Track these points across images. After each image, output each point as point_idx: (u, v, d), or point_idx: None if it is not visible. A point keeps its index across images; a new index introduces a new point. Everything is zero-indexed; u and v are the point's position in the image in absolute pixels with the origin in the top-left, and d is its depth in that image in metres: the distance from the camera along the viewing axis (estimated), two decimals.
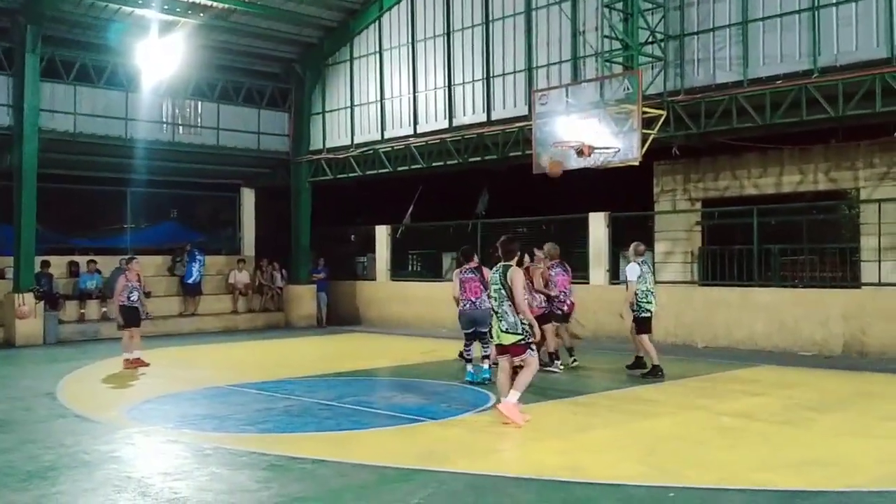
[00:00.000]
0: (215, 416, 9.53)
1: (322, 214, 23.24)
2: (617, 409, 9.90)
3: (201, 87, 21.55)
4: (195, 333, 20.21)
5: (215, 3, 18.91)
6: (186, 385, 11.86)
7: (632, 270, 12.17)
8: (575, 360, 13.06)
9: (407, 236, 22.95)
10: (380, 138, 20.99)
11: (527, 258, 12.18)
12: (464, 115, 19.24)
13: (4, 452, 7.73)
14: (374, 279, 22.75)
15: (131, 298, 13.66)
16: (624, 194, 18.41)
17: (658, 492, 6.33)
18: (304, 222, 22.90)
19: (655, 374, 11.97)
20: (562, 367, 12.63)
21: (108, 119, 19.76)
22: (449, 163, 19.47)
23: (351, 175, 21.73)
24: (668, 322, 15.65)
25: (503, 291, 8.66)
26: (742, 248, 15.93)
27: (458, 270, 11.95)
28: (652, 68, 15.56)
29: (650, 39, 15.56)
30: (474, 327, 11.53)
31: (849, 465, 7.19)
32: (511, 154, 17.99)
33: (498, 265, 8.96)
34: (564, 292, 13.01)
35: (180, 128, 21.31)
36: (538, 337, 8.92)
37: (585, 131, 15.17)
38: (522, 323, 8.65)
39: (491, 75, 18.66)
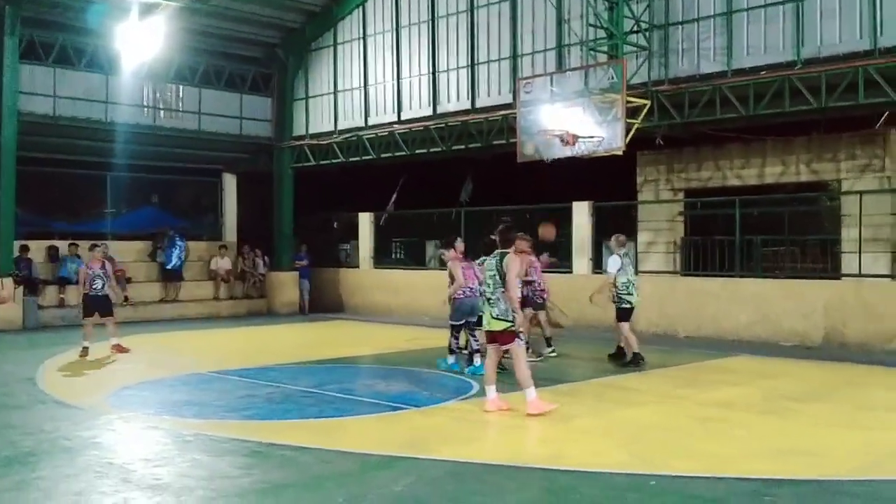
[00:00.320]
0: (196, 403, 9.48)
1: (305, 201, 23.12)
2: (599, 397, 9.94)
3: (183, 71, 21.34)
4: (177, 320, 20.09)
5: None
6: (167, 371, 11.79)
7: (613, 262, 12.32)
8: (553, 351, 13.07)
9: (390, 224, 22.89)
10: (363, 125, 20.89)
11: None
12: (448, 102, 19.17)
13: None
14: (357, 267, 22.69)
15: (94, 287, 13.25)
16: (607, 184, 18.41)
17: (639, 479, 6.36)
18: (286, 209, 22.79)
19: (636, 362, 12.05)
20: (538, 358, 12.52)
21: (88, 102, 19.54)
22: (433, 150, 19.41)
23: (334, 161, 21.63)
24: (650, 312, 15.72)
25: (498, 278, 8.67)
26: (724, 239, 16.01)
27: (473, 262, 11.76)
28: (636, 58, 15.57)
29: (635, 28, 15.56)
30: (466, 318, 11.51)
31: (829, 454, 7.26)
32: (495, 142, 17.97)
33: (495, 252, 8.94)
34: (539, 281, 12.99)
35: (161, 112, 21.11)
36: (519, 323, 8.93)
37: (570, 120, 15.17)
38: (513, 312, 8.64)
39: (475, 63, 18.60)
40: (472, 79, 18.66)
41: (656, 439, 7.74)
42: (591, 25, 15.82)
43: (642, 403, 9.53)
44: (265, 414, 8.99)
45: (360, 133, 20.78)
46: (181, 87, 21.38)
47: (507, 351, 10.45)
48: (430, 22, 19.42)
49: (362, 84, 20.98)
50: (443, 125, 19.01)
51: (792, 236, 16.34)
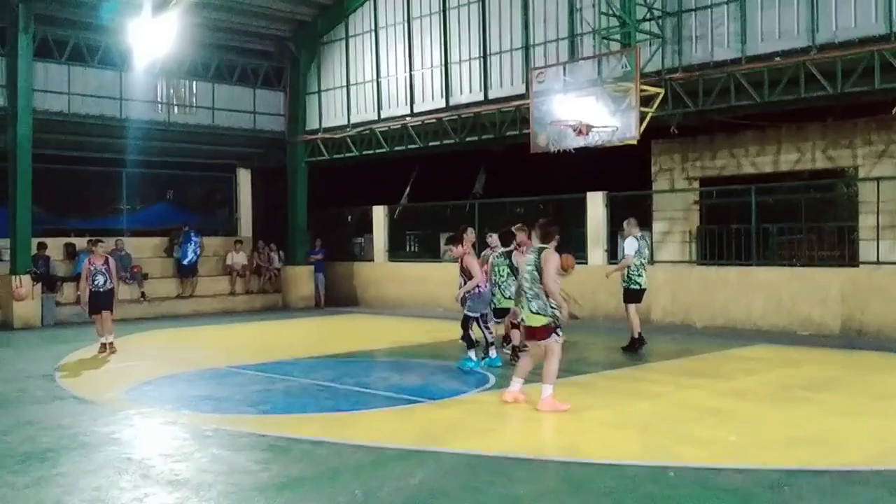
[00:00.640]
0: (214, 398, 9.53)
1: (319, 195, 23.17)
2: (614, 388, 9.92)
3: (196, 67, 21.40)
4: (193, 315, 20.20)
5: None
6: (185, 366, 11.86)
7: (630, 244, 12.39)
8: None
9: (404, 217, 22.91)
10: (376, 118, 20.89)
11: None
12: (460, 94, 19.13)
13: (2, 434, 7.74)
14: (371, 260, 22.72)
15: (96, 283, 13.01)
16: (622, 173, 18.35)
17: (656, 471, 6.35)
18: (300, 203, 22.83)
19: (633, 347, 12.11)
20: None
21: (101, 99, 19.65)
22: (445, 142, 19.40)
23: (347, 155, 21.65)
24: (665, 301, 15.68)
25: (536, 273, 8.58)
26: (740, 228, 15.92)
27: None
28: (650, 46, 15.47)
29: (648, 16, 15.46)
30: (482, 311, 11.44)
31: (845, 443, 7.22)
32: (508, 133, 17.94)
33: (534, 246, 8.87)
34: None
35: (175, 108, 21.19)
36: (567, 318, 8.89)
37: (583, 110, 15.10)
38: (552, 307, 8.56)
39: (487, 53, 18.55)
40: (485, 70, 18.60)
41: (672, 430, 7.72)
42: (603, 14, 15.72)
43: (658, 394, 9.50)
44: (282, 408, 9.02)
45: (373, 126, 20.78)
46: (194, 83, 21.46)
47: (515, 348, 10.46)
48: (442, 13, 19.37)
49: (374, 77, 20.97)
50: (455, 117, 18.98)
51: (808, 224, 16.22)
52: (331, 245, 23.34)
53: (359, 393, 9.71)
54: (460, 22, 19.06)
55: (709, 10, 15.12)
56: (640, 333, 12.55)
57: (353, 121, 21.49)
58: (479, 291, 11.27)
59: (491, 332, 11.38)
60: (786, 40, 14.22)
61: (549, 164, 16.67)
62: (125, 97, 19.97)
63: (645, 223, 16.21)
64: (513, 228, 11.87)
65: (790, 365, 11.51)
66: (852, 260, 15.24)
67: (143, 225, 22.51)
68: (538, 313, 8.56)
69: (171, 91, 21.15)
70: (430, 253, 22.57)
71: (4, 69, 18.02)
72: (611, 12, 15.49)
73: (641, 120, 14.53)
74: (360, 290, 22.70)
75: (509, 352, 11.61)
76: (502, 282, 11.40)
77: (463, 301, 11.35)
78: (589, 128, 14.92)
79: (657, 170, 19.55)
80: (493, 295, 11.48)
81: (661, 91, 14.97)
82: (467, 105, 18.83)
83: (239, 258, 22.44)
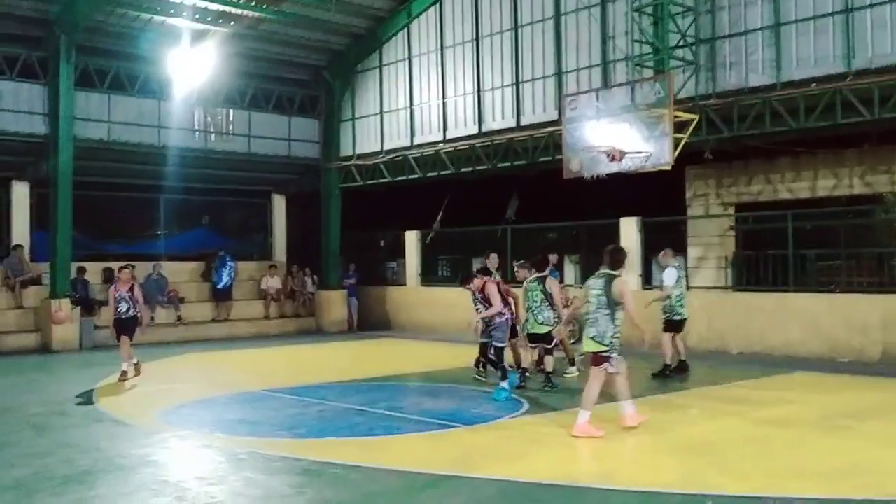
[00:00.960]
0: (249, 421, 9.60)
1: (352, 220, 23.34)
2: (650, 415, 9.80)
3: (232, 95, 21.75)
4: (228, 338, 20.36)
5: (245, 12, 19.11)
6: (220, 390, 11.95)
7: (670, 275, 12.34)
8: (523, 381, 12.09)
9: (436, 242, 22.97)
10: (409, 144, 21.05)
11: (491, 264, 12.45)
12: (493, 120, 19.23)
13: (41, 457, 7.84)
14: (404, 284, 22.78)
15: (119, 310, 12.87)
16: (656, 199, 18.25)
17: (694, 500, 6.27)
18: (334, 228, 23.01)
19: (664, 373, 12.19)
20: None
21: (141, 127, 19.99)
22: (478, 168, 19.48)
23: (381, 181, 21.81)
24: (701, 328, 15.52)
25: (603, 299, 8.57)
26: (777, 254, 15.74)
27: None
28: (683, 72, 15.45)
29: (681, 43, 15.46)
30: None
31: (889, 474, 7.07)
32: (541, 159, 17.97)
33: (600, 272, 8.84)
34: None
35: (212, 135, 21.51)
36: (646, 339, 9.01)
37: (616, 136, 15.11)
38: (612, 337, 8.55)
39: (520, 80, 18.64)
40: (517, 97, 18.69)
41: (710, 458, 7.62)
42: (636, 41, 15.76)
43: (695, 421, 9.39)
44: (316, 432, 9.05)
45: (407, 153, 20.93)
46: (231, 111, 21.78)
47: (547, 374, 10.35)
48: (475, 41, 19.54)
49: (408, 104, 21.15)
50: (488, 143, 19.07)
51: (846, 250, 15.99)
52: (364, 269, 23.45)
53: (392, 417, 9.72)
54: (493, 50, 19.21)
55: (743, 36, 15.09)
56: (682, 360, 12.50)
57: (386, 147, 21.67)
58: (503, 320, 11.11)
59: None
60: (821, 66, 14.14)
61: (582, 190, 16.66)
62: (164, 125, 20.31)
63: (680, 249, 16.10)
64: (517, 265, 12.26)
65: (830, 393, 11.32)
66: (893, 286, 14.98)
67: (180, 250, 22.81)
68: (594, 339, 8.61)
69: (209, 119, 21.48)
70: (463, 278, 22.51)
71: (47, 98, 18.45)
72: (644, 39, 15.52)
73: (675, 146, 14.49)
74: (392, 314, 22.74)
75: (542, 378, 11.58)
76: (535, 307, 11.37)
77: (483, 330, 11.18)
78: (622, 153, 14.92)
79: (692, 195, 19.43)
80: (527, 320, 11.46)
81: (696, 117, 14.93)
82: (500, 131, 18.92)
83: (273, 282, 22.62)
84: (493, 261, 12.94)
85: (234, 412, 10.28)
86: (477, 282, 11.36)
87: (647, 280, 17.08)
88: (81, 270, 19.14)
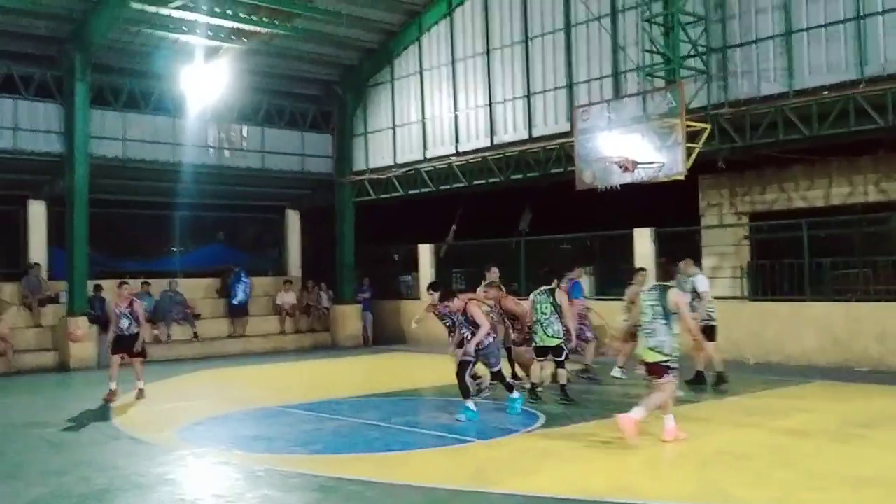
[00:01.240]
0: (265, 437, 9.62)
1: (366, 234, 23.40)
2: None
3: (246, 111, 21.88)
4: (243, 354, 20.42)
5: (258, 29, 19.24)
6: (237, 406, 11.98)
7: (703, 282, 12.33)
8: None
9: (450, 255, 22.98)
10: (422, 158, 21.10)
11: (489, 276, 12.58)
12: (505, 132, 19.26)
13: (59, 475, 7.88)
14: (418, 298, 22.76)
15: (120, 326, 12.73)
16: (669, 209, 18.21)
17: None
18: (348, 242, 23.08)
19: (723, 379, 12.26)
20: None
21: (155, 144, 20.14)
22: (491, 180, 19.51)
23: (394, 195, 21.87)
24: (717, 337, 15.41)
25: (659, 309, 8.66)
26: (792, 262, 15.65)
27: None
28: (695, 81, 15.44)
29: (692, 52, 15.45)
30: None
31: None
32: (553, 171, 17.98)
33: (654, 284, 8.97)
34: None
35: (226, 151, 21.63)
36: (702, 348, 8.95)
37: (628, 146, 15.11)
38: (672, 346, 8.65)
39: (531, 92, 18.67)
40: (529, 108, 18.72)
41: (728, 469, 7.58)
42: (647, 51, 15.77)
43: (712, 432, 9.33)
44: (332, 447, 9.07)
45: (419, 166, 20.99)
46: (244, 127, 21.90)
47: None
48: (486, 54, 19.59)
49: (420, 118, 21.22)
50: (500, 155, 19.10)
51: (862, 257, 15.88)
52: (378, 284, 23.48)
53: (408, 432, 9.71)
54: (504, 62, 19.26)
55: (754, 45, 15.07)
56: (699, 371, 12.47)
57: (398, 161, 21.73)
58: (492, 341, 10.58)
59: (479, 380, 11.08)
60: (834, 73, 14.10)
61: (595, 201, 16.64)
62: (178, 142, 20.45)
63: (694, 259, 16.03)
64: (484, 285, 12.36)
65: (848, 402, 11.24)
66: None
67: (196, 266, 22.92)
68: (654, 349, 8.66)
69: (223, 135, 21.60)
70: (476, 291, 22.49)
71: (62, 117, 18.63)
72: (655, 49, 15.53)
73: (688, 155, 14.47)
74: (407, 328, 22.70)
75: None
76: (545, 319, 11.32)
77: (466, 352, 10.38)
78: (635, 164, 14.91)
79: (705, 205, 19.36)
80: (535, 333, 11.41)
81: (708, 126, 14.91)
82: (512, 143, 18.95)
83: (288, 298, 22.69)
84: (493, 274, 13.03)
85: (250, 428, 10.30)
86: (458, 303, 10.58)
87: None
88: (98, 288, 19.24)
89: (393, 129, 21.97)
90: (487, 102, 19.58)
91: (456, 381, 10.31)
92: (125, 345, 12.84)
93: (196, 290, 21.81)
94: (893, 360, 13.90)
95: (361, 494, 7.02)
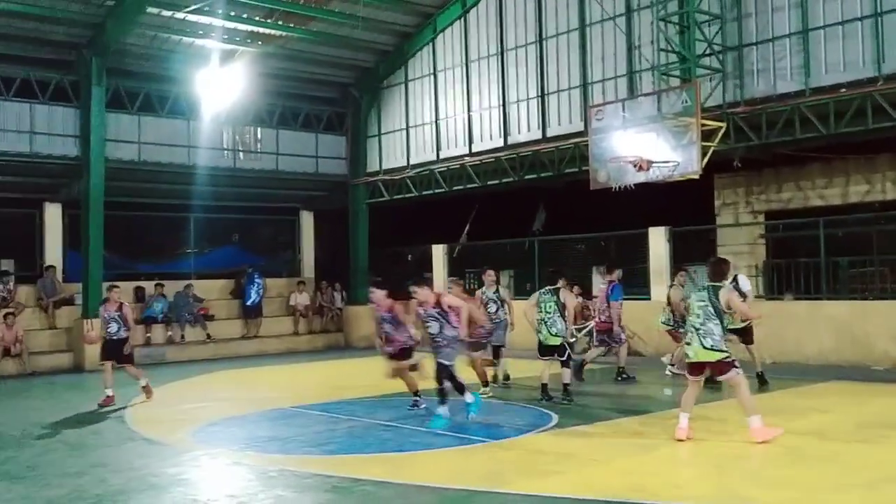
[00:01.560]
0: (279, 438, 9.62)
1: (380, 235, 23.40)
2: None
3: (260, 114, 21.95)
4: (257, 355, 20.46)
5: (273, 32, 19.32)
6: (250, 407, 11.99)
7: (745, 282, 12.29)
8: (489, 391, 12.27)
9: (463, 255, 22.94)
10: (435, 158, 21.10)
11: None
12: (519, 132, 19.23)
13: (75, 476, 7.91)
14: None
15: (109, 331, 12.57)
16: (684, 208, 18.11)
17: None
18: (361, 243, 23.11)
19: (764, 379, 12.27)
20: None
21: (171, 147, 20.25)
22: (504, 181, 19.48)
23: (407, 196, 21.87)
24: (733, 336, 15.30)
25: (710, 309, 8.65)
26: (809, 261, 15.53)
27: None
28: (710, 80, 15.35)
29: (707, 51, 15.36)
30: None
31: None
32: (567, 171, 17.93)
33: (705, 285, 8.99)
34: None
35: (241, 154, 21.73)
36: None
37: (643, 146, 15.04)
38: (726, 342, 8.70)
39: (546, 92, 18.63)
40: (543, 108, 18.68)
41: (743, 470, 7.51)
42: (662, 50, 15.69)
43: (728, 433, 9.24)
44: (346, 448, 9.05)
45: (433, 167, 20.98)
46: (259, 130, 22.00)
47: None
48: (500, 55, 19.57)
49: (434, 119, 21.21)
50: (514, 155, 19.06)
51: (880, 256, 15.74)
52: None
53: (421, 432, 9.68)
54: (518, 62, 19.22)
55: (770, 43, 14.97)
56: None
57: (412, 162, 21.74)
58: (453, 335, 10.28)
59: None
60: (851, 71, 13.98)
61: (609, 201, 16.58)
62: (193, 145, 20.55)
63: (710, 258, 15.93)
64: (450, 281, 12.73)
65: (866, 402, 11.12)
66: None
67: (210, 267, 23.01)
68: (713, 349, 8.63)
69: (238, 138, 21.72)
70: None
71: (78, 120, 18.76)
72: (670, 48, 15.45)
73: (703, 154, 14.38)
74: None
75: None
76: (549, 318, 11.36)
77: (443, 347, 10.14)
78: (649, 163, 14.84)
79: (721, 204, 19.27)
80: (539, 331, 11.44)
81: (723, 125, 14.82)
82: (525, 143, 18.90)
83: (302, 299, 22.73)
84: (489, 276, 13.12)
85: (264, 429, 10.31)
86: (425, 292, 10.60)
87: None
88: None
89: (407, 130, 21.98)
90: (501, 103, 19.55)
91: (475, 382, 10.20)
92: (113, 349, 12.63)
93: (210, 291, 21.89)
94: None
95: (375, 495, 7.00)
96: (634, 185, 15.31)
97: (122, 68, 19.29)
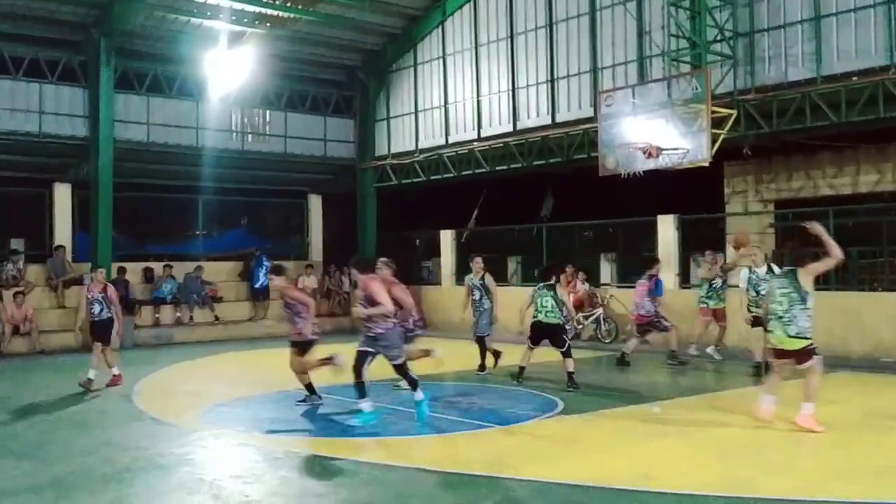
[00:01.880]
0: (285, 420, 9.67)
1: (387, 219, 23.39)
2: (689, 415, 9.69)
3: (269, 97, 21.92)
4: (265, 338, 20.48)
5: (282, 14, 19.25)
6: (258, 389, 12.05)
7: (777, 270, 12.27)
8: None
9: (471, 240, 22.92)
10: (444, 143, 21.05)
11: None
12: (528, 118, 19.15)
13: (82, 455, 7.96)
14: (439, 284, 22.77)
15: (93, 311, 12.44)
16: (693, 196, 18.03)
17: (733, 502, 6.16)
18: (369, 227, 23.11)
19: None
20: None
21: (179, 128, 20.24)
22: (513, 166, 19.42)
23: (416, 180, 21.84)
24: (741, 327, 15.26)
25: (795, 295, 8.70)
26: (817, 251, 15.41)
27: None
28: (721, 67, 15.25)
29: (718, 37, 15.26)
30: None
31: None
32: (576, 157, 17.86)
33: (784, 269, 9.13)
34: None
35: (249, 136, 21.71)
36: None
37: (653, 132, 14.96)
38: (809, 329, 8.75)
39: (555, 77, 18.54)
40: (552, 94, 18.59)
41: (749, 459, 7.50)
42: (672, 36, 15.58)
43: (734, 422, 9.24)
44: (351, 431, 9.06)
45: (441, 151, 20.93)
46: (267, 112, 21.96)
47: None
48: (509, 39, 19.47)
49: (442, 103, 21.15)
50: (523, 141, 18.99)
51: (890, 246, 15.65)
52: (399, 268, 23.34)
53: (427, 417, 9.69)
54: (527, 47, 19.12)
55: (782, 30, 14.85)
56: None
57: (421, 146, 21.69)
58: (391, 328, 9.69)
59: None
60: (863, 59, 13.86)
61: (618, 187, 16.51)
62: (202, 126, 20.54)
63: (718, 247, 15.89)
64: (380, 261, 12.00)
65: (873, 393, 11.10)
66: None
67: (219, 250, 23.05)
68: (798, 336, 8.68)
69: (246, 120, 21.68)
70: (498, 277, 22.42)
71: (87, 101, 18.75)
72: (681, 34, 15.35)
73: (713, 142, 14.31)
74: (427, 313, 22.63)
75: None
76: (544, 311, 11.70)
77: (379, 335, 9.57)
78: (659, 150, 14.77)
79: (730, 192, 19.18)
80: (535, 317, 11.80)
81: (733, 112, 14.73)
82: (534, 129, 18.83)
83: (310, 282, 22.72)
84: (477, 263, 13.36)
85: (270, 411, 10.36)
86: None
87: (685, 279, 16.88)
88: (122, 271, 19.38)
89: (415, 114, 21.92)
90: (510, 87, 19.46)
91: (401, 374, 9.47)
92: (99, 330, 12.52)
93: (219, 273, 21.93)
94: None
95: (380, 478, 7.02)
96: (643, 171, 15.25)
97: (130, 49, 19.27)
